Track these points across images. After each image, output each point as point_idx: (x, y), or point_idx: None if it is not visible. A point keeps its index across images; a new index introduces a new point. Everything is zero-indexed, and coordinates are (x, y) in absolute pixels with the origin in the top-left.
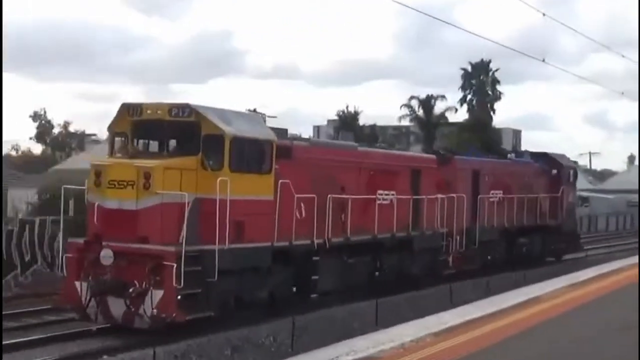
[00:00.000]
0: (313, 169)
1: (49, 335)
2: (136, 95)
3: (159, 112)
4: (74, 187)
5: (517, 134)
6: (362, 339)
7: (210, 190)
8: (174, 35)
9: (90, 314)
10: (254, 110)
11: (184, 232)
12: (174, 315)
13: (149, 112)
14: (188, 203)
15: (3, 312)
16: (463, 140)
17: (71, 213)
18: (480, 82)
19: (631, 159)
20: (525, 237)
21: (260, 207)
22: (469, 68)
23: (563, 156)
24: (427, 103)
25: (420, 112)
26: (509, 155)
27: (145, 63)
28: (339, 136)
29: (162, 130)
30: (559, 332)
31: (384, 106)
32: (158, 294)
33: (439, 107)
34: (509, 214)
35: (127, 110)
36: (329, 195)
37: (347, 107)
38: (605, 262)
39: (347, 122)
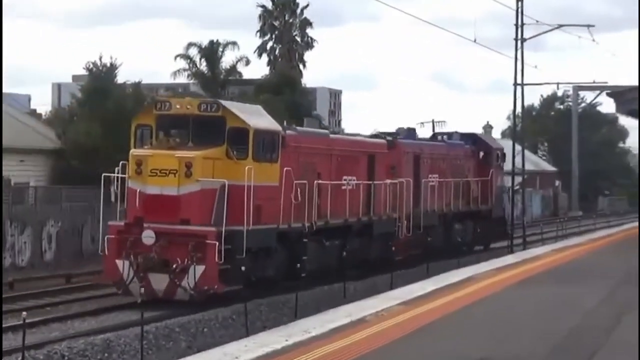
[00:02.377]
0: (300, 157)
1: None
2: None
3: (188, 107)
4: (112, 174)
5: (335, 95)
6: None
7: (236, 177)
8: None
9: (132, 290)
10: None
11: (223, 214)
12: (215, 287)
13: (178, 106)
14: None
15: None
16: (263, 104)
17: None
18: (286, 25)
19: (487, 129)
20: (459, 222)
21: (271, 192)
22: (270, 5)
23: (490, 137)
24: (211, 53)
25: (203, 66)
26: (439, 137)
27: None
28: None
29: (188, 123)
30: None
31: (153, 57)
32: (200, 269)
33: (228, 59)
34: (446, 199)
35: (155, 104)
36: (315, 182)
37: (100, 59)
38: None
39: (100, 78)
